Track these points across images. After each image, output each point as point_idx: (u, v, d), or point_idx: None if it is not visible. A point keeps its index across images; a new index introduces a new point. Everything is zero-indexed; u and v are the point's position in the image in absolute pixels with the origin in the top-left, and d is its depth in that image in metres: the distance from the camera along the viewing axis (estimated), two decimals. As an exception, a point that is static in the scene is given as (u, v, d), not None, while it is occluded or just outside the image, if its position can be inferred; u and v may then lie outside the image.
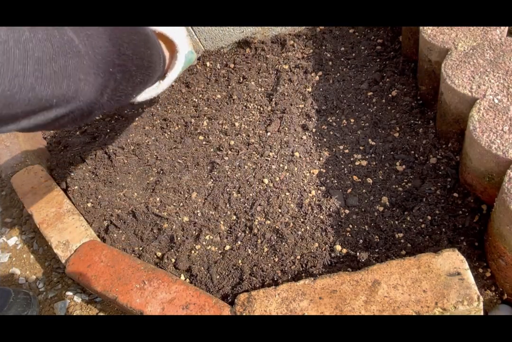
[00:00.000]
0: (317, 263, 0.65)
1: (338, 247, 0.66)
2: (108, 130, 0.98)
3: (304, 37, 0.99)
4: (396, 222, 0.67)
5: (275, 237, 0.69)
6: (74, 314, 0.79)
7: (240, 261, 0.68)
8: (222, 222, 0.74)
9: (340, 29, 0.99)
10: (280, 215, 0.71)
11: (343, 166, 0.75)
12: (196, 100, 0.97)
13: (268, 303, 0.57)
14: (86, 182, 0.89)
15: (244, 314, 0.57)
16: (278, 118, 0.85)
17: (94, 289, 0.68)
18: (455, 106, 0.65)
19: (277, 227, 0.70)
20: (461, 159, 0.67)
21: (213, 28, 1.01)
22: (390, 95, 0.82)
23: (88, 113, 0.44)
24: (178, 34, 0.64)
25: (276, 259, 0.67)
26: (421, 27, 0.71)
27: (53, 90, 0.38)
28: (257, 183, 0.76)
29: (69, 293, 0.83)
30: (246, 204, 0.74)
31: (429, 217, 0.66)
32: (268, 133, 0.84)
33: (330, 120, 0.83)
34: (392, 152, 0.75)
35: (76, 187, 0.89)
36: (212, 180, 0.80)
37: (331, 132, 0.80)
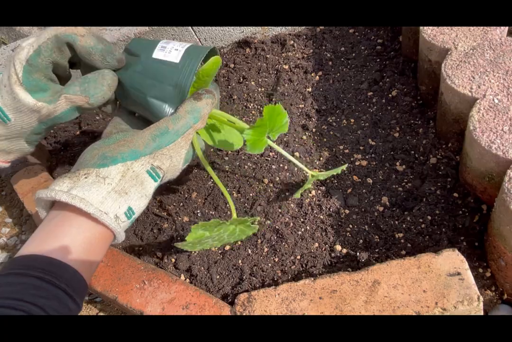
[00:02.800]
0: (317, 263, 0.65)
1: (338, 247, 0.66)
2: (108, 130, 0.98)
3: (304, 37, 1.00)
4: (396, 222, 0.67)
5: (275, 237, 0.69)
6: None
7: (240, 261, 0.68)
8: (222, 222, 0.74)
9: (340, 29, 0.99)
10: (280, 215, 0.71)
11: (343, 166, 0.75)
12: (196, 100, 0.97)
13: (268, 303, 0.57)
14: (86, 182, 0.89)
15: (244, 314, 0.57)
16: (278, 118, 0.85)
17: (94, 289, 0.68)
18: (455, 106, 0.65)
19: (277, 227, 0.70)
20: (461, 159, 0.67)
21: (213, 28, 1.01)
22: (390, 95, 0.82)
23: None
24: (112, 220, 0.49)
25: (276, 259, 0.67)
26: (421, 27, 0.71)
27: None
28: (257, 183, 0.76)
29: (69, 293, 0.83)
30: (246, 204, 0.74)
31: (429, 217, 0.66)
32: (268, 133, 0.84)
33: (330, 120, 0.83)
34: (392, 152, 0.75)
35: (76, 187, 0.89)
36: (212, 180, 0.80)
37: (331, 132, 0.81)
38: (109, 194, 0.48)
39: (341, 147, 0.78)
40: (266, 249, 0.69)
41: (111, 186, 0.49)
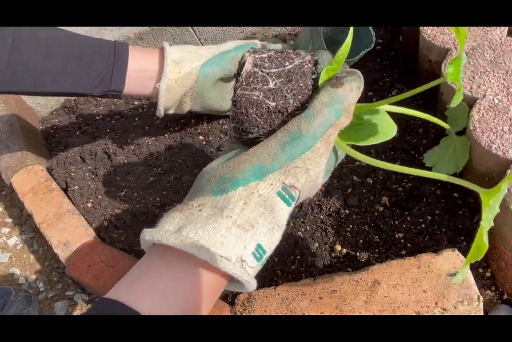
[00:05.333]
0: (317, 263, 0.65)
1: (338, 247, 0.66)
2: (108, 130, 0.98)
3: (304, 37, 0.99)
4: (396, 222, 0.67)
5: (275, 237, 0.69)
6: (74, 314, 0.79)
7: (240, 261, 0.68)
8: (222, 222, 0.74)
9: (340, 29, 0.98)
10: (280, 215, 0.71)
11: (343, 166, 0.75)
12: (196, 100, 0.97)
13: (268, 303, 0.57)
14: (86, 182, 0.89)
15: (244, 314, 0.57)
16: (278, 118, 0.85)
17: (94, 289, 0.68)
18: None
19: (277, 227, 0.70)
20: (461, 159, 0.67)
21: (213, 28, 1.01)
22: (390, 95, 0.82)
23: None
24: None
25: (276, 259, 0.67)
26: (421, 27, 0.71)
27: None
28: (257, 183, 0.76)
29: (69, 293, 0.83)
30: (246, 204, 0.74)
31: (429, 217, 0.66)
32: (268, 133, 0.84)
33: (330, 120, 0.82)
34: (392, 152, 0.75)
35: (76, 187, 0.89)
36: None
37: (331, 132, 0.80)
38: (229, 231, 0.37)
39: (341, 147, 0.78)
40: (266, 249, 0.69)
41: (231, 219, 0.37)
